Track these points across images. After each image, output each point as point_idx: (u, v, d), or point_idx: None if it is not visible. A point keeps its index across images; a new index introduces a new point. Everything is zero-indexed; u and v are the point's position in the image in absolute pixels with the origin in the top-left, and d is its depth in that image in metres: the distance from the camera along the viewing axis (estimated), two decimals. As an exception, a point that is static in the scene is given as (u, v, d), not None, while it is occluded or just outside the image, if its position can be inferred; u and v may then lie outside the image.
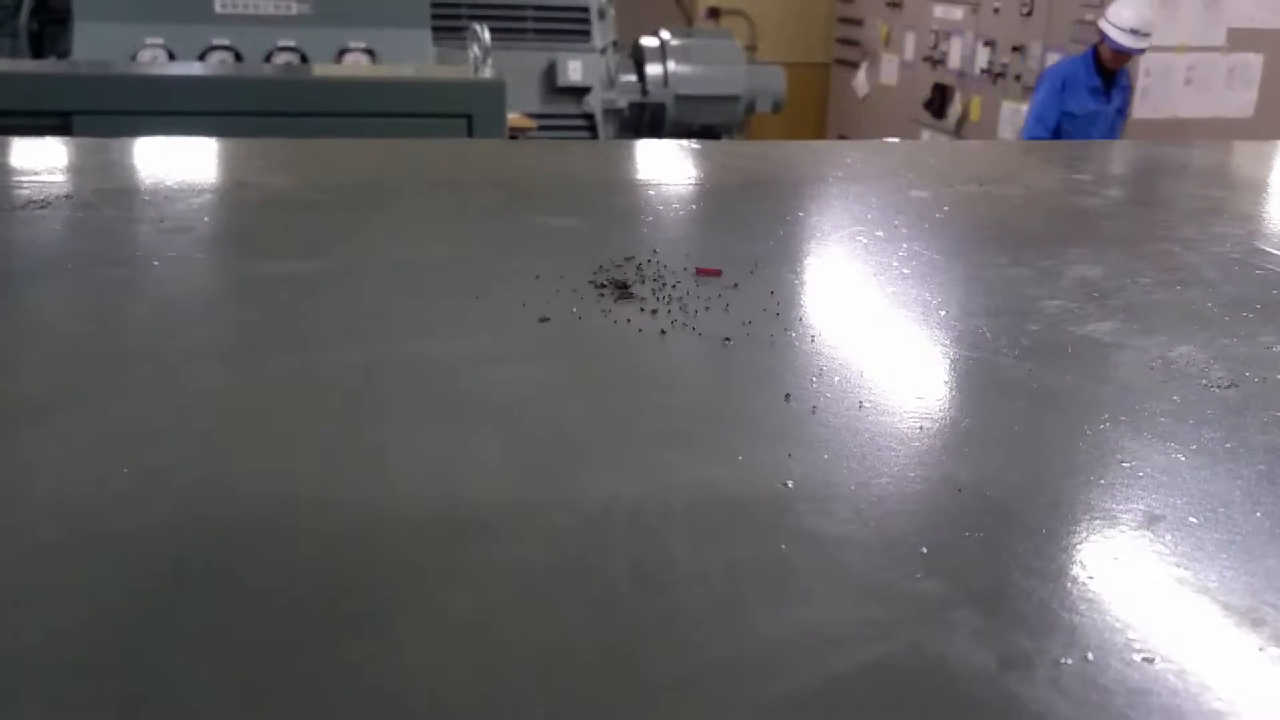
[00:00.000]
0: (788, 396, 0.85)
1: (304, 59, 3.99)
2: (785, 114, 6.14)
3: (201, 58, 3.90)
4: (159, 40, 3.90)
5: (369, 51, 4.04)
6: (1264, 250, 1.33)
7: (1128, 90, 5.67)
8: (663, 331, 0.99)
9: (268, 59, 3.95)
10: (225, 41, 3.95)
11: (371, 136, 2.10)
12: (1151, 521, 0.68)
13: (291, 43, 4.01)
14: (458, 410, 0.82)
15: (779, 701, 0.51)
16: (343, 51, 4.03)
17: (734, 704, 0.51)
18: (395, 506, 0.68)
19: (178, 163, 1.71)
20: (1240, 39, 5.64)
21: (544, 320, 1.00)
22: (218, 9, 4.00)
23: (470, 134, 2.85)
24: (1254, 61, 5.71)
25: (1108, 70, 5.50)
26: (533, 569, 0.62)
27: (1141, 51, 5.44)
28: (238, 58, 3.93)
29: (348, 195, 1.52)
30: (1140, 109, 5.74)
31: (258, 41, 3.96)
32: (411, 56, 4.04)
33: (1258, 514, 0.69)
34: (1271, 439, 0.80)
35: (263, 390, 0.86)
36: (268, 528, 0.65)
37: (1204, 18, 5.65)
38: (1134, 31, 5.37)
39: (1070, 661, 0.54)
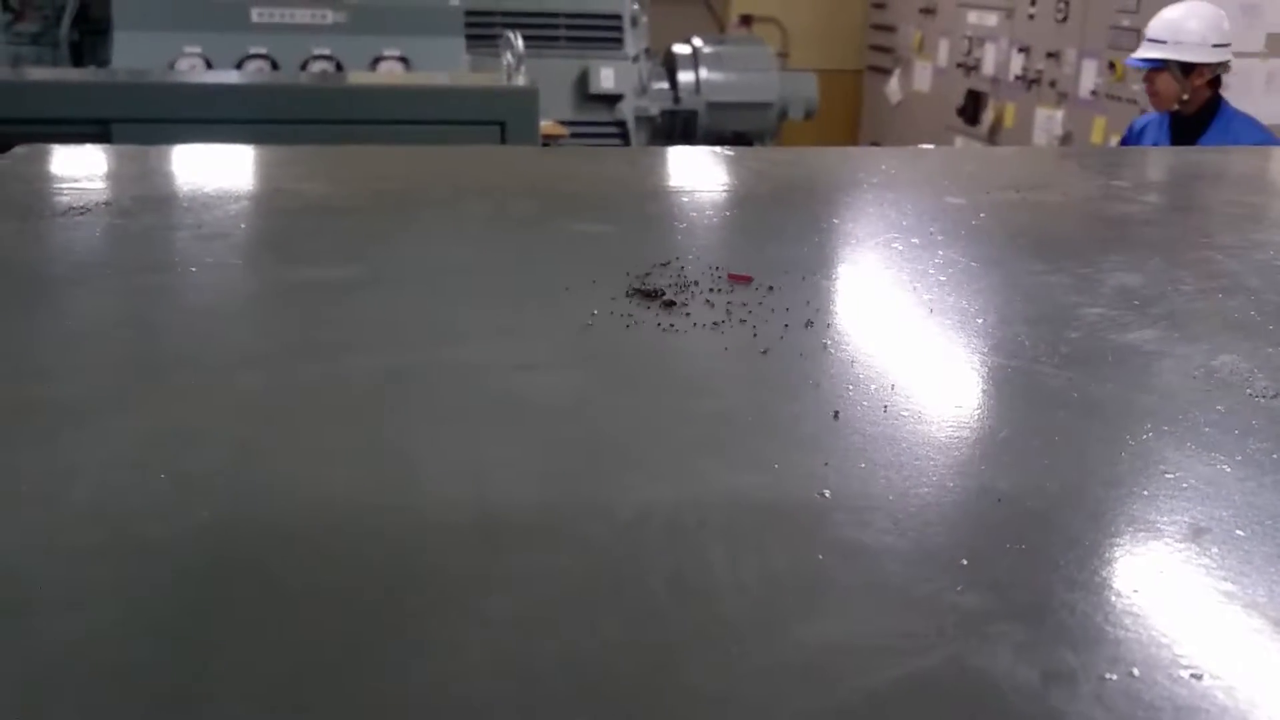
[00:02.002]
0: (836, 414, 0.84)
1: (339, 67, 4.02)
2: (818, 121, 6.12)
3: (238, 66, 3.94)
4: (197, 49, 3.95)
5: (403, 59, 4.07)
6: (1308, 258, 1.31)
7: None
8: (717, 324, 0.98)
9: (303, 67, 3.99)
10: (262, 50, 3.99)
11: (405, 143, 2.11)
12: (1197, 534, 0.66)
13: (327, 51, 4.04)
14: (494, 416, 0.82)
15: (820, 714, 0.51)
16: (377, 59, 4.06)
17: (774, 716, 0.51)
18: (432, 512, 0.68)
19: (215, 170, 1.72)
20: (1280, 44, 5.56)
21: (579, 327, 1.00)
22: (254, 18, 4.04)
23: (503, 141, 2.86)
24: (1294, 67, 5.63)
25: (1186, 120, 3.97)
26: (569, 576, 0.61)
27: (1152, 65, 3.95)
28: (274, 66, 3.97)
29: (383, 202, 1.53)
30: (1178, 115, 5.66)
31: (293, 50, 4.00)
32: (445, 64, 4.06)
33: (1306, 527, 0.67)
34: (1319, 450, 0.78)
35: (300, 396, 0.86)
36: (304, 533, 0.65)
37: (1242, 23, 5.58)
38: (1148, 41, 4.03)
39: (1115, 677, 0.53)
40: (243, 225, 1.38)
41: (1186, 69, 3.93)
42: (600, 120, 5.11)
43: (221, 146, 1.88)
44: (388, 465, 0.74)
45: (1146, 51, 4.01)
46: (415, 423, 0.81)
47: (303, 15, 4.07)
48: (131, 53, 3.92)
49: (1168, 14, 4.06)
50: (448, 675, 0.53)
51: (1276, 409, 0.86)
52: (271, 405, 0.84)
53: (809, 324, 1.02)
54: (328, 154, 1.95)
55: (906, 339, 1.02)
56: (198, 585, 0.60)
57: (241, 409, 0.83)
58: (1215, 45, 3.94)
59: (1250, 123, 3.99)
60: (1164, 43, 3.95)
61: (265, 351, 0.96)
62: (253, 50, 3.98)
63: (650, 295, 1.08)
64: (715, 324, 1.01)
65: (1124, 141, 4.34)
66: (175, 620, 0.57)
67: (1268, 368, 0.94)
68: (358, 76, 3.81)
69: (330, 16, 4.09)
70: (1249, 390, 0.89)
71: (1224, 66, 4.01)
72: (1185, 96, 3.95)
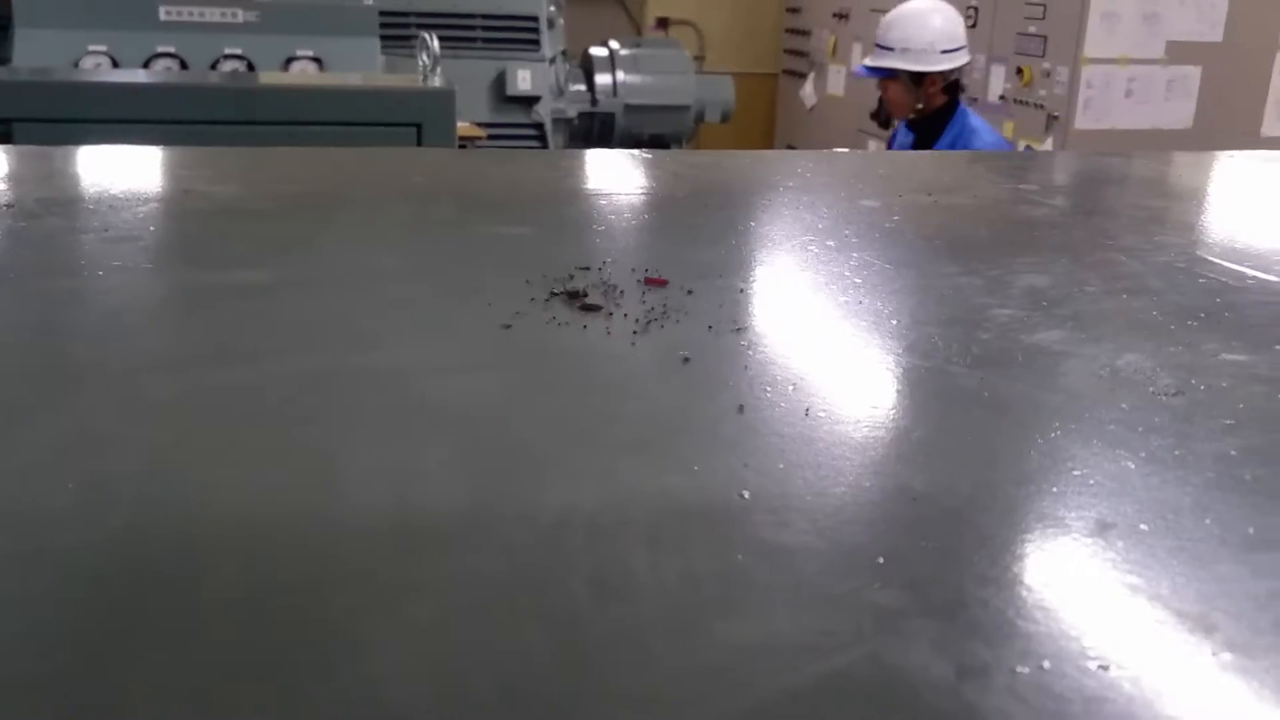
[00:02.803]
0: (741, 408, 0.85)
1: (250, 67, 3.95)
2: (733, 124, 6.18)
3: (146, 65, 3.85)
4: (102, 47, 3.85)
5: (316, 60, 4.01)
6: (1206, 259, 1.36)
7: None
8: (636, 326, 0.98)
9: (213, 67, 3.91)
10: (170, 49, 3.90)
11: (319, 145, 2.08)
12: (1103, 529, 0.68)
13: (238, 50, 3.96)
14: (412, 421, 0.82)
15: (740, 713, 0.51)
16: (290, 60, 3.99)
17: (695, 715, 0.51)
18: (350, 518, 0.67)
19: (122, 171, 1.68)
20: (1179, 52, 5.75)
21: (497, 329, 1.00)
22: (162, 16, 3.95)
23: (419, 143, 2.84)
24: (1192, 74, 5.82)
25: (924, 124, 3.78)
26: (490, 580, 0.61)
27: (879, 73, 3.73)
28: (183, 65, 3.88)
29: (296, 204, 1.50)
30: (1082, 120, 5.82)
31: (203, 49, 3.92)
32: (359, 65, 4.01)
33: (1207, 521, 0.70)
34: (1219, 446, 0.81)
35: (212, 402, 0.84)
36: (220, 541, 0.64)
37: (1144, 30, 5.75)
38: (877, 47, 3.84)
39: (1027, 670, 0.55)
40: (152, 228, 1.35)
41: (917, 77, 3.78)
42: (517, 122, 5.09)
43: (129, 147, 1.84)
44: (305, 470, 0.73)
45: (873, 59, 3.80)
46: (333, 427, 0.80)
47: (212, 14, 3.99)
48: (34, 51, 3.81)
49: (899, 15, 3.83)
50: (370, 679, 0.53)
51: (1178, 406, 0.88)
52: (184, 411, 0.82)
53: (727, 327, 1.03)
54: (239, 155, 1.92)
55: (823, 340, 1.04)
56: (111, 594, 0.59)
57: (153, 415, 0.81)
58: (945, 51, 3.78)
59: (983, 128, 3.84)
60: (892, 50, 3.76)
61: (177, 357, 0.95)
62: (160, 49, 3.89)
63: (570, 297, 1.09)
64: (635, 325, 1.02)
65: (889, 144, 4.23)
66: (88, 630, 0.56)
67: (1170, 366, 0.97)
68: (270, 77, 3.74)
69: (241, 15, 4.02)
70: (1152, 389, 0.92)
71: (958, 71, 3.83)
72: (920, 105, 3.83)
